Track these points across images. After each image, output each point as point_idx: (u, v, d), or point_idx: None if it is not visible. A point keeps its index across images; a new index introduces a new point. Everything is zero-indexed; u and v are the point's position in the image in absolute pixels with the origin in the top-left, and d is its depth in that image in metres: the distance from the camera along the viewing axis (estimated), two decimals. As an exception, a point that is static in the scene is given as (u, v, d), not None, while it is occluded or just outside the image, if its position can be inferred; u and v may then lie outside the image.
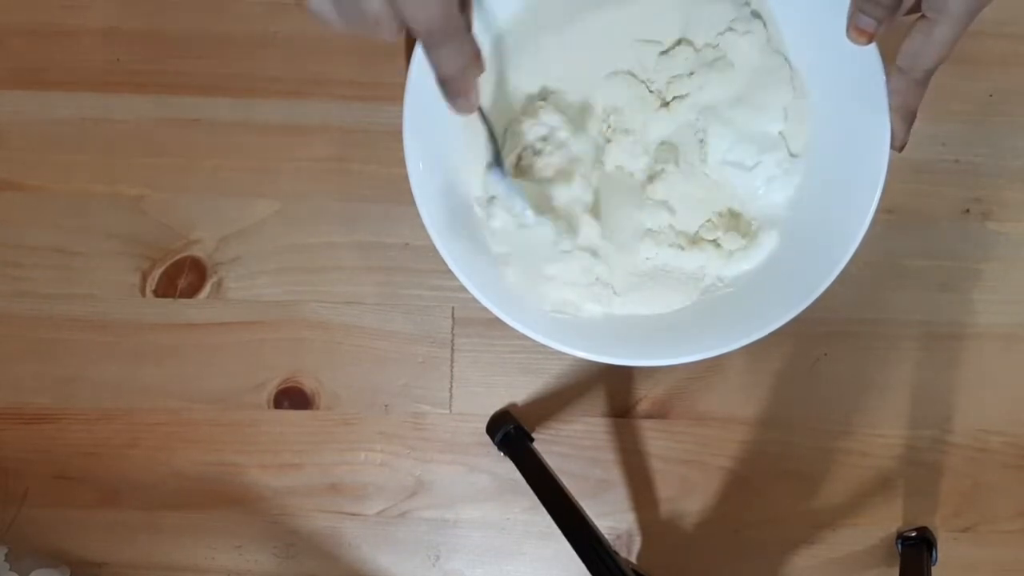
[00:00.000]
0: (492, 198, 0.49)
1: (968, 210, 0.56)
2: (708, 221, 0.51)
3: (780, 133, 0.50)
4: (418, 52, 0.47)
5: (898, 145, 0.45)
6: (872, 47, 0.45)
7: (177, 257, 0.55)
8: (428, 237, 0.48)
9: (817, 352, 0.56)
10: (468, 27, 0.38)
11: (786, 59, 0.50)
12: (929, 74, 0.43)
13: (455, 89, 0.40)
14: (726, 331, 0.48)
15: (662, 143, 0.51)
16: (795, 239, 0.50)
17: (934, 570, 0.55)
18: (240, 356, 0.56)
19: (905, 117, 0.45)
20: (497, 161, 0.47)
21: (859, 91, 0.46)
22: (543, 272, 0.50)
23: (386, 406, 0.56)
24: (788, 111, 0.50)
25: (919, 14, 0.42)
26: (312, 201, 0.56)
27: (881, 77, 0.45)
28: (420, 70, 0.48)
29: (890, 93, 0.45)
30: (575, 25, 0.50)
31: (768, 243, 0.50)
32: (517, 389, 0.56)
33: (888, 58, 0.44)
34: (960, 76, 0.55)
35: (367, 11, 0.36)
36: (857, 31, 0.43)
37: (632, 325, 0.51)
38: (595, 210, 0.50)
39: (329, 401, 0.56)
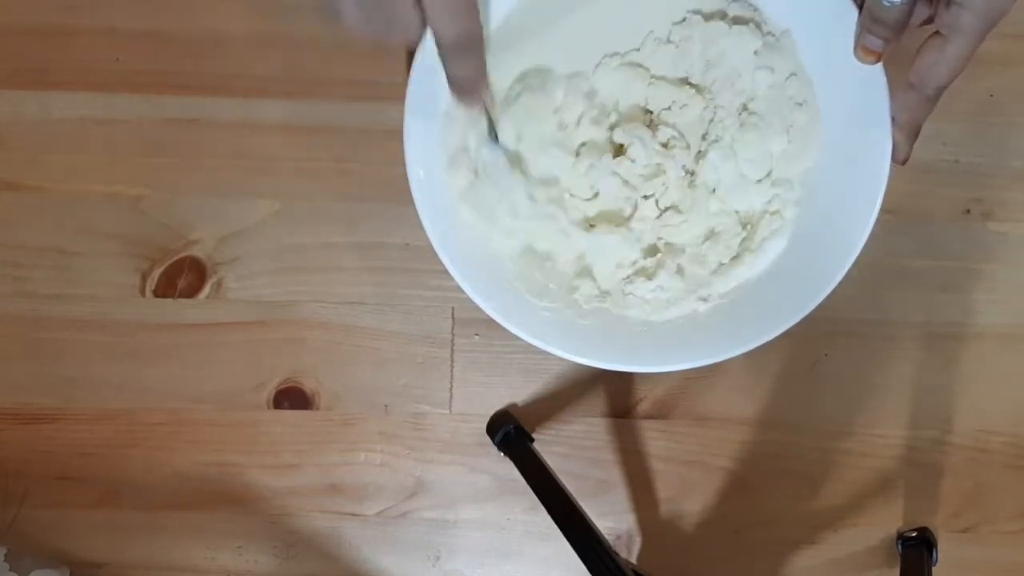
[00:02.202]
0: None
1: (969, 210, 0.56)
2: (713, 233, 0.51)
3: (787, 145, 0.50)
4: (419, 54, 0.47)
5: (901, 159, 0.45)
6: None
7: (177, 257, 0.55)
8: (427, 237, 0.48)
9: (818, 353, 0.56)
10: (483, 39, 0.42)
11: (805, 80, 0.50)
12: (940, 91, 0.43)
13: (466, 91, 0.43)
14: (727, 338, 0.48)
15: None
16: (797, 246, 0.50)
17: (934, 571, 0.55)
18: (240, 356, 0.56)
19: (911, 133, 0.45)
20: (494, 137, 0.49)
21: (864, 102, 0.46)
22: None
23: (386, 406, 0.56)
24: (795, 127, 0.50)
25: (932, 29, 0.42)
26: (312, 201, 0.56)
27: (885, 89, 0.45)
28: (420, 70, 0.48)
29: (899, 108, 0.44)
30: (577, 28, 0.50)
31: (772, 251, 0.50)
32: (517, 389, 0.56)
33: (891, 67, 0.44)
34: (961, 76, 0.55)
35: (394, 17, 0.39)
36: (864, 51, 0.43)
37: (631, 330, 0.51)
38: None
39: (329, 401, 0.56)
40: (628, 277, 0.51)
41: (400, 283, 0.56)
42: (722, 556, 0.57)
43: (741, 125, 0.50)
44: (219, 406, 0.56)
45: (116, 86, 0.55)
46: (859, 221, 0.47)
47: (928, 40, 0.42)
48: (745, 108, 0.50)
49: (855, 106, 0.47)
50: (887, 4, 0.41)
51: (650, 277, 0.51)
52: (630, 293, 0.51)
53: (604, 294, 0.51)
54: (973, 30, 0.40)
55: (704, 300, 0.51)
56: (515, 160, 0.50)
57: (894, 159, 0.45)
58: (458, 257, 0.48)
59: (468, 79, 0.43)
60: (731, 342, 0.48)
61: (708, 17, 0.49)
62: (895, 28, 0.42)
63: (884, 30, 0.42)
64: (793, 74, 0.49)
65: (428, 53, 0.48)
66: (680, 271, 0.51)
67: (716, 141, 0.50)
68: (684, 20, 0.50)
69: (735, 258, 0.51)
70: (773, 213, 0.50)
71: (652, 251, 0.51)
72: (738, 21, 0.49)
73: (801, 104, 0.49)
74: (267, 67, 0.55)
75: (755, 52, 0.49)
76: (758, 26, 0.49)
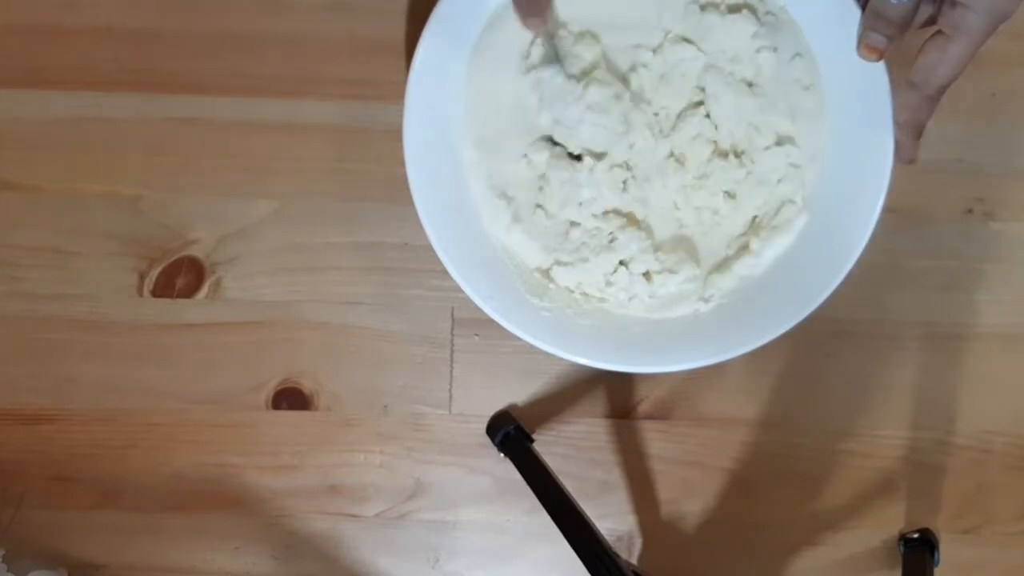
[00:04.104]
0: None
1: (971, 210, 0.55)
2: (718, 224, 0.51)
3: (793, 131, 0.50)
4: (417, 53, 0.47)
5: (907, 159, 0.45)
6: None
7: (175, 257, 0.55)
8: (427, 237, 0.47)
9: (819, 353, 0.56)
10: None
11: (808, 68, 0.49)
12: (943, 90, 0.43)
13: (530, 10, 0.43)
14: (728, 338, 0.48)
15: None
16: (799, 246, 0.50)
17: (936, 572, 0.55)
18: (238, 357, 0.56)
19: (914, 133, 0.45)
20: (556, 59, 0.49)
21: (865, 101, 0.46)
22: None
23: (385, 407, 0.56)
24: (802, 111, 0.49)
25: (934, 28, 0.41)
26: (311, 201, 0.55)
27: (887, 88, 0.45)
28: (420, 70, 0.48)
29: (901, 108, 0.44)
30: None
31: (774, 250, 0.50)
32: (517, 390, 0.56)
33: (896, 64, 0.44)
34: (963, 75, 0.54)
35: None
36: (868, 49, 0.43)
37: (632, 330, 0.50)
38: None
39: (328, 402, 0.56)
40: (631, 276, 0.51)
41: (400, 283, 0.56)
42: (723, 557, 0.57)
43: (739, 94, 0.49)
44: (217, 407, 0.56)
45: (114, 85, 0.55)
46: (861, 220, 0.47)
47: (930, 40, 0.42)
48: (749, 84, 0.49)
49: (857, 103, 0.47)
50: (894, 2, 0.41)
51: (649, 279, 0.51)
52: (634, 295, 0.51)
53: (602, 300, 0.51)
54: (977, 30, 0.40)
55: (706, 301, 0.51)
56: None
57: (900, 160, 0.45)
58: (458, 257, 0.48)
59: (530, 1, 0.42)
60: (733, 342, 0.48)
61: (704, 7, 0.49)
62: (900, 25, 0.42)
63: (888, 27, 0.42)
64: (798, 54, 0.49)
65: (427, 52, 0.48)
66: (681, 265, 0.50)
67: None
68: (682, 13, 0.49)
69: (736, 256, 0.50)
70: (776, 211, 0.50)
71: (658, 246, 0.51)
72: (733, 9, 0.49)
73: (808, 88, 0.49)
74: (267, 67, 0.55)
75: (753, 35, 0.49)
76: (753, 11, 0.49)
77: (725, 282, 0.50)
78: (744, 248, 0.50)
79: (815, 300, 0.47)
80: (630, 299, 0.51)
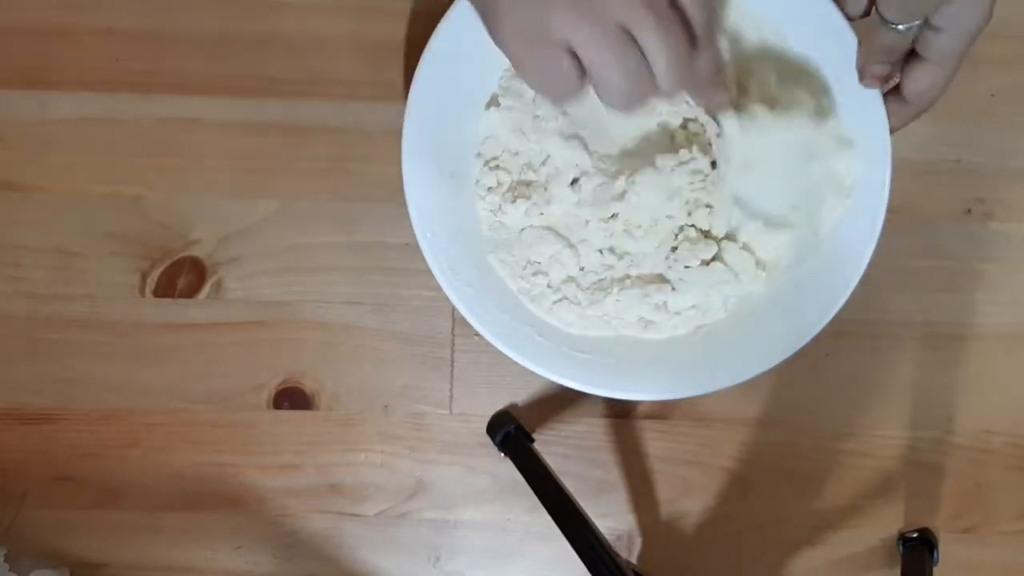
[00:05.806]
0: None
1: (970, 210, 0.55)
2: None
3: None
4: (425, 56, 0.47)
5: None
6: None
7: (177, 257, 0.55)
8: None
9: (819, 352, 0.56)
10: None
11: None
12: (931, 105, 0.43)
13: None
14: (728, 364, 0.48)
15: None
16: (798, 267, 0.50)
17: (935, 571, 0.55)
18: (240, 356, 0.56)
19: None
20: None
21: (858, 112, 0.46)
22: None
23: (386, 406, 0.56)
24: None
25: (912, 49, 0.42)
26: (312, 201, 0.55)
27: (878, 95, 0.45)
28: (425, 72, 0.48)
29: (896, 121, 0.45)
30: None
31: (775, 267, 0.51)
32: (517, 389, 0.56)
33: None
34: (961, 76, 0.54)
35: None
36: (872, 79, 0.44)
37: (632, 351, 0.51)
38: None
39: (329, 402, 0.56)
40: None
41: (400, 283, 0.56)
42: (723, 557, 0.57)
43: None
44: (219, 406, 0.56)
45: (116, 86, 0.55)
46: (860, 245, 0.47)
47: (915, 63, 0.42)
48: None
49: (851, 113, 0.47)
50: (901, 28, 0.40)
51: (648, 293, 0.51)
52: (642, 317, 0.51)
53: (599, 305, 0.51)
54: (956, 52, 0.41)
55: (705, 324, 0.51)
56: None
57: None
58: (459, 285, 0.49)
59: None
60: (728, 371, 0.48)
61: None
62: (899, 52, 0.42)
63: (890, 55, 0.42)
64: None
65: (434, 55, 0.48)
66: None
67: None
68: None
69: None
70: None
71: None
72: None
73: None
74: (267, 67, 0.55)
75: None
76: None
77: (724, 302, 0.51)
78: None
79: (813, 329, 0.47)
80: (629, 324, 0.51)
